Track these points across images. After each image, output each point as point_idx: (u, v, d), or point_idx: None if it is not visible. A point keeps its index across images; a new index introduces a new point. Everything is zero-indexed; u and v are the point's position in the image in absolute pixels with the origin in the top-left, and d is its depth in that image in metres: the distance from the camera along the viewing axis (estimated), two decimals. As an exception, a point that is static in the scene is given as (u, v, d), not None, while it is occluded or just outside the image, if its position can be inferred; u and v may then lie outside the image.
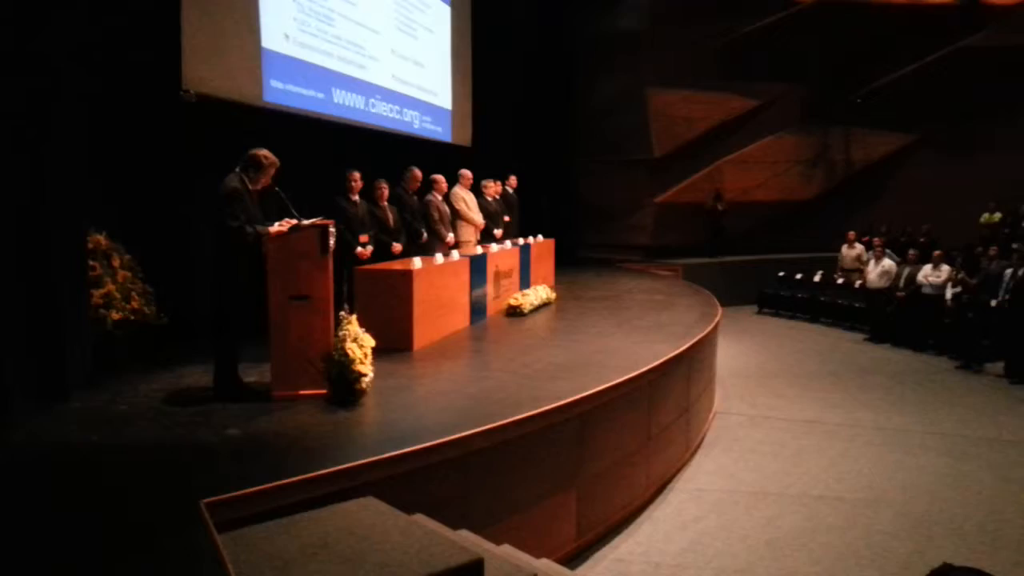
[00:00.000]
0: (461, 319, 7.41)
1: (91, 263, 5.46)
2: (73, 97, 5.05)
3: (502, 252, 8.66)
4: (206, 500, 3.07)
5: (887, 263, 11.89)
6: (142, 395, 4.88)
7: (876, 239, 13.08)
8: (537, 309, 8.53)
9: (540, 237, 10.24)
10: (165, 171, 6.44)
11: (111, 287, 5.49)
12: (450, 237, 8.30)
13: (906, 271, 11.47)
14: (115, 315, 5.43)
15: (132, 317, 5.55)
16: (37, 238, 4.63)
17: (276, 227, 4.88)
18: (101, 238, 5.62)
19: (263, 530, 3.01)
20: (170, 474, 3.60)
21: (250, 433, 4.15)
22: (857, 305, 12.60)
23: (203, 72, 6.63)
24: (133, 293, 5.63)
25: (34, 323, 4.60)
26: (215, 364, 4.91)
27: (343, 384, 4.73)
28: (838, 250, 14.10)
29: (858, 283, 12.79)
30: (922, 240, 13.82)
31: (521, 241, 9.55)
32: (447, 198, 8.53)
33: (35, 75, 4.62)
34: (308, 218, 4.98)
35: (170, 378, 5.30)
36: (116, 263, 5.64)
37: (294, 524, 3.08)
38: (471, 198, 8.96)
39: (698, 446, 6.95)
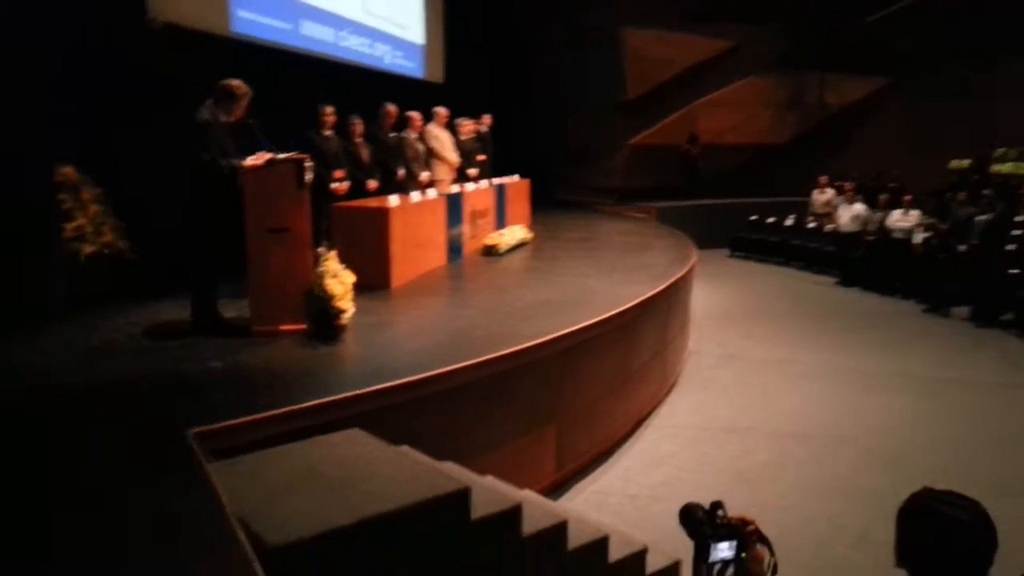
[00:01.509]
0: (438, 257, 7.38)
1: (61, 196, 5.31)
2: (38, 28, 4.85)
3: (478, 191, 8.59)
4: (194, 430, 3.05)
5: (857, 208, 12.02)
6: (120, 329, 4.81)
7: (847, 184, 13.19)
8: (513, 249, 8.52)
9: (516, 177, 10.16)
10: (134, 103, 6.24)
11: (82, 220, 5.36)
12: (424, 175, 8.19)
13: (876, 216, 11.60)
14: (88, 249, 5.32)
15: (105, 251, 5.43)
16: (6, 170, 4.49)
17: (251, 160, 4.77)
18: (70, 171, 5.46)
19: (252, 460, 3.01)
20: (156, 405, 3.58)
21: (233, 366, 4.12)
22: (828, 249, 12.74)
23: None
24: (105, 227, 5.50)
25: (6, 255, 4.49)
26: (193, 299, 4.84)
27: (324, 320, 4.69)
28: (810, 194, 14.21)
29: (829, 227, 12.92)
30: (892, 185, 13.94)
31: (496, 181, 9.47)
32: (421, 136, 8.39)
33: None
34: (281, 152, 4.88)
35: (146, 312, 5.23)
36: (86, 197, 5.49)
37: (282, 454, 3.08)
38: (446, 136, 8.83)
39: (673, 384, 7.06)
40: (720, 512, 1.79)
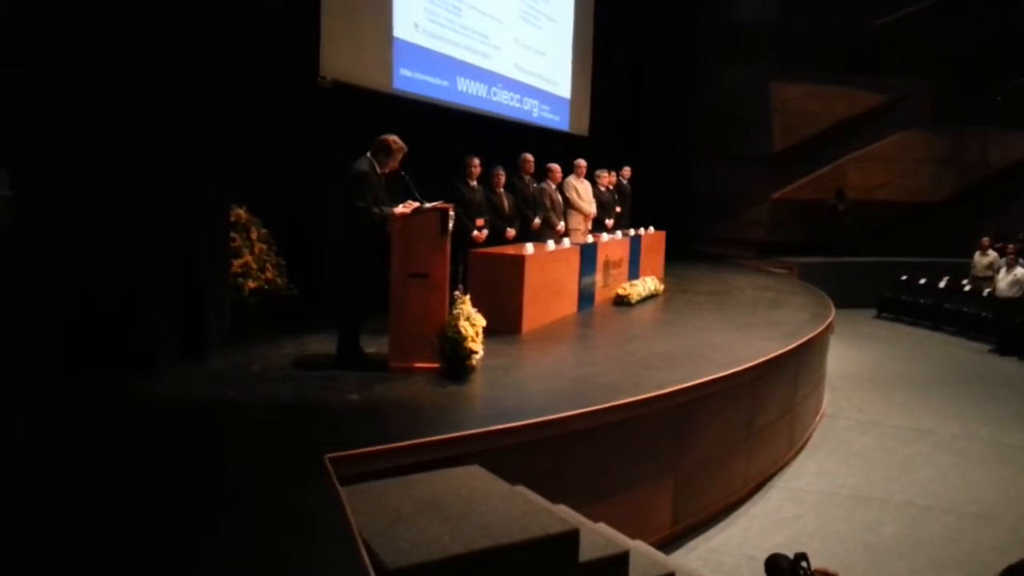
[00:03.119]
0: (569, 305, 7.58)
1: (232, 235, 5.93)
2: (222, 86, 5.49)
3: (612, 242, 8.76)
4: (330, 455, 3.38)
5: (1019, 272, 11.31)
6: (273, 358, 5.30)
7: (1010, 246, 12.42)
8: (644, 300, 8.61)
9: (651, 229, 10.27)
10: (301, 153, 6.87)
11: (248, 258, 5.95)
12: (560, 225, 8.47)
13: (1039, 281, 10.88)
14: (251, 284, 5.90)
15: (266, 287, 6.00)
16: (187, 210, 5.10)
17: (400, 209, 5.17)
18: (242, 212, 6.10)
19: (380, 486, 3.29)
20: (298, 430, 3.95)
21: (369, 399, 4.48)
22: (984, 315, 12.02)
23: (339, 60, 7.01)
24: (268, 264, 6.08)
25: (181, 287, 5.08)
26: (339, 334, 5.26)
27: (455, 360, 5.00)
28: (966, 255, 13.48)
29: (987, 292, 12.19)
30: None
31: (632, 232, 9.62)
32: (560, 187, 8.70)
33: (190, 61, 5.07)
34: (430, 201, 5.25)
35: (297, 345, 5.72)
36: (254, 236, 6.10)
37: (407, 483, 3.35)
38: (584, 187, 9.09)
39: (802, 447, 6.90)
40: (803, 564, 1.88)
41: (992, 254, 12.97)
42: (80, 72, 4.55)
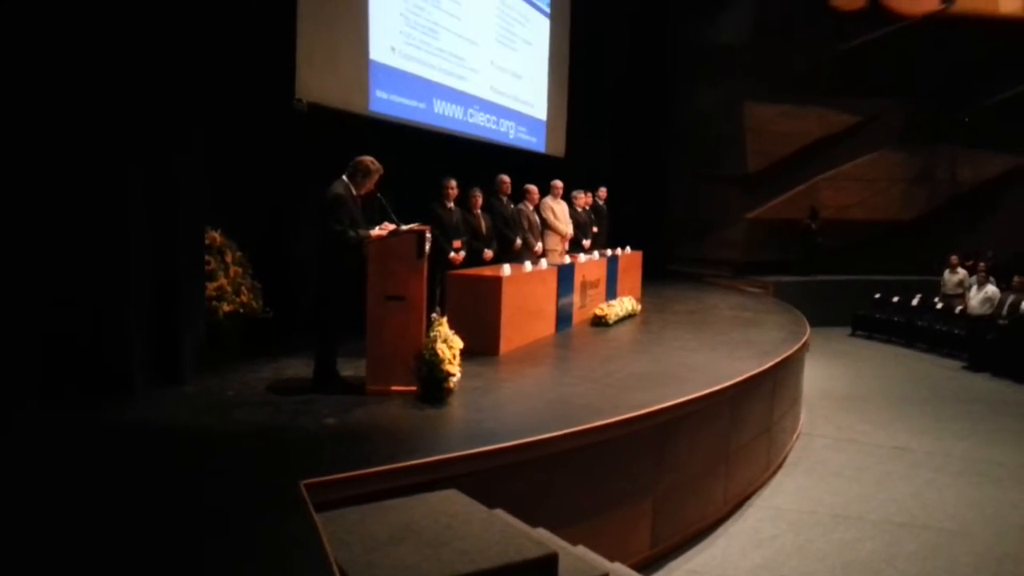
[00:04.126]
0: (547, 326, 7.58)
1: (206, 258, 5.88)
2: (197, 106, 5.46)
3: (589, 263, 8.79)
4: (305, 481, 3.34)
5: (990, 289, 11.49)
6: (248, 383, 5.24)
7: (981, 264, 12.62)
8: (622, 320, 8.63)
9: (628, 249, 10.33)
10: (276, 175, 6.85)
11: (223, 281, 5.90)
12: (538, 246, 8.50)
13: (1010, 298, 11.05)
14: (226, 307, 5.84)
15: (241, 310, 5.94)
16: (166, 235, 5.06)
17: (377, 231, 5.17)
18: (217, 235, 6.05)
19: (356, 513, 3.25)
20: (274, 456, 3.90)
21: (346, 423, 4.43)
22: (956, 332, 12.18)
23: (315, 82, 7.01)
24: (243, 287, 6.03)
25: (156, 310, 5.02)
26: (315, 357, 5.23)
27: (432, 382, 4.97)
28: (938, 273, 13.68)
29: (958, 309, 12.37)
30: (1031, 267, 13.23)
31: (609, 252, 9.66)
32: (537, 208, 8.73)
33: (167, 82, 5.05)
34: (406, 223, 5.25)
35: (273, 368, 5.66)
36: (229, 259, 6.05)
37: (384, 509, 3.32)
38: (560, 208, 9.13)
39: (780, 465, 6.92)
40: None
41: (961, 272, 13.17)
42: (53, 86, 4.50)
